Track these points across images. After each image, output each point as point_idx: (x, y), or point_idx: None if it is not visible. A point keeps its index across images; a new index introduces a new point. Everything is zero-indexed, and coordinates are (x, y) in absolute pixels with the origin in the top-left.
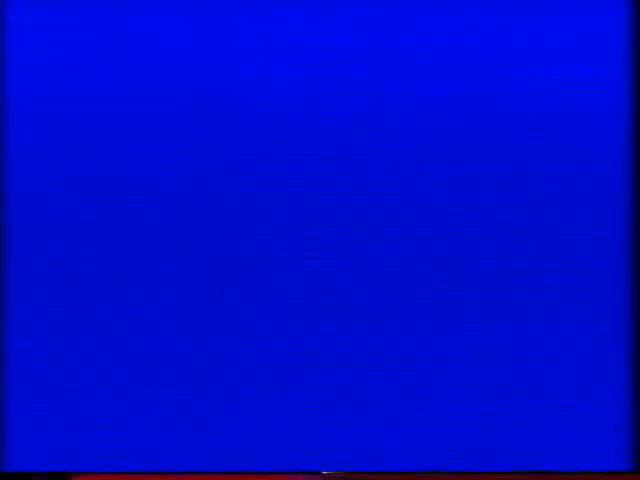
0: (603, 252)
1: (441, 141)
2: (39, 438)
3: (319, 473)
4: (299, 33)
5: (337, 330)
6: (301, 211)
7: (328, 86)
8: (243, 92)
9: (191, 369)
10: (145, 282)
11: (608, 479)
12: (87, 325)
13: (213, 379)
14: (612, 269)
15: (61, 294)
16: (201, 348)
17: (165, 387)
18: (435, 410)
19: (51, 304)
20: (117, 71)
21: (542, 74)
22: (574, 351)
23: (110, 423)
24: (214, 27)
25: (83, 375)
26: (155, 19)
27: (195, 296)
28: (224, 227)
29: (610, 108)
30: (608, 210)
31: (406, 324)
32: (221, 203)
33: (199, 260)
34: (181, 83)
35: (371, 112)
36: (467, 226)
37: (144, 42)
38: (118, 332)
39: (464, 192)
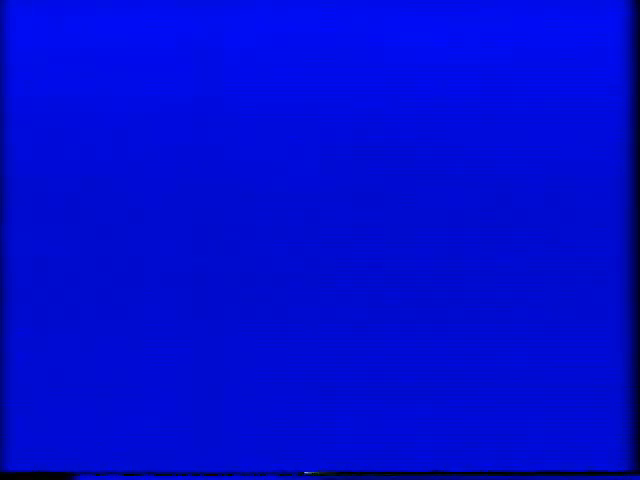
0: (604, 252)
1: (441, 141)
2: (39, 438)
3: (317, 473)
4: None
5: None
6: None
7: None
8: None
9: (192, 369)
10: (146, 281)
11: (608, 479)
12: (88, 325)
13: (215, 379)
14: (612, 269)
15: (62, 294)
16: (202, 349)
17: (166, 387)
18: (436, 410)
19: (52, 303)
20: (121, 71)
21: (542, 74)
22: (574, 352)
23: (110, 423)
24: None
25: (84, 375)
26: (157, 18)
27: (194, 296)
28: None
29: (610, 108)
30: (608, 210)
31: (405, 323)
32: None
33: (202, 260)
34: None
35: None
36: (466, 228)
37: (145, 40)
38: (119, 332)
39: (466, 192)
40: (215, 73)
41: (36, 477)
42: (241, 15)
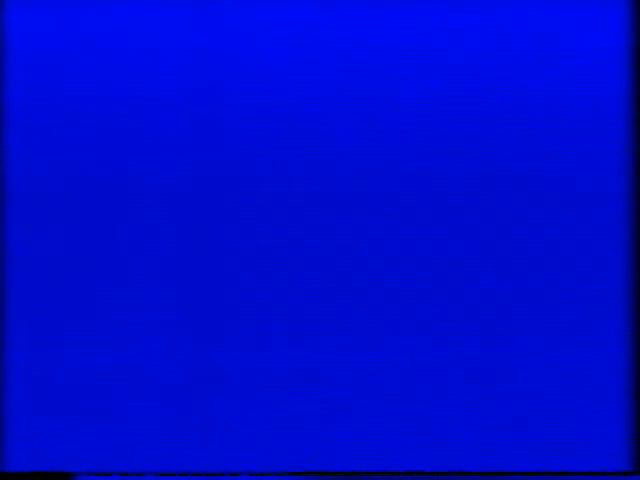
0: (604, 253)
1: (440, 140)
2: (39, 438)
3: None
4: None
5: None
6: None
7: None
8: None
9: (191, 370)
10: (146, 281)
11: (608, 479)
12: (88, 324)
13: (215, 379)
14: (612, 269)
15: (61, 294)
16: (201, 349)
17: (165, 387)
18: (436, 410)
19: (52, 303)
20: (119, 70)
21: (542, 73)
22: (574, 352)
23: (110, 423)
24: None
25: (83, 375)
26: (157, 18)
27: (194, 296)
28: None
29: (610, 108)
30: (608, 210)
31: (404, 322)
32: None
33: (201, 260)
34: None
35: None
36: (466, 229)
37: (145, 38)
38: (119, 332)
39: (466, 190)
40: (214, 72)
41: (36, 477)
42: (239, 13)
